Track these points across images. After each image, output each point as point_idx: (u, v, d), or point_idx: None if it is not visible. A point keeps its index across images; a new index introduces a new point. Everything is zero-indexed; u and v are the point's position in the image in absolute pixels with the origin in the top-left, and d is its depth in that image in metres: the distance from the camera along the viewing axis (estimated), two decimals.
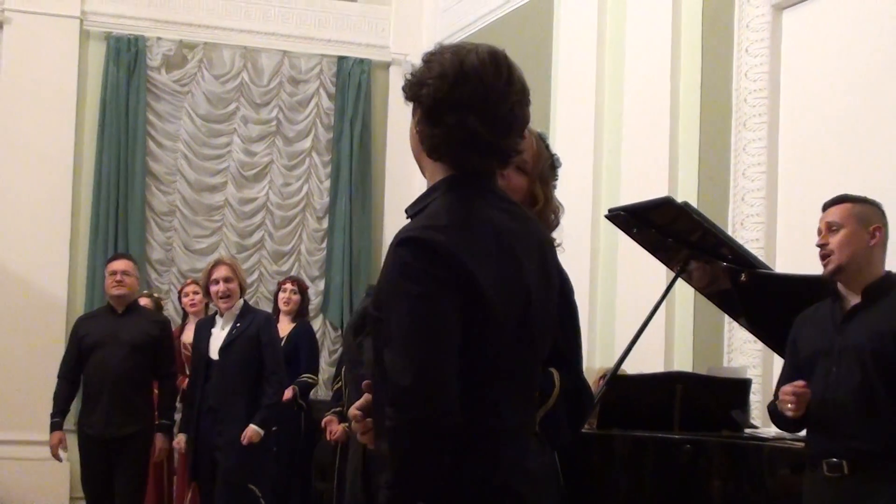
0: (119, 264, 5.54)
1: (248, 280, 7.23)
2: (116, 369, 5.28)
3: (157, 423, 5.47)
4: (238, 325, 5.19)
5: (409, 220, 2.02)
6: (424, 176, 2.10)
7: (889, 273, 3.13)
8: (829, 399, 3.07)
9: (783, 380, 3.29)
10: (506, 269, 1.97)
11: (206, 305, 6.48)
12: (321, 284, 8.81)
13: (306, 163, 8.96)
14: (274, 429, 5.30)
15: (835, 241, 3.12)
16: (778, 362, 4.57)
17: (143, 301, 5.97)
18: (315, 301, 8.55)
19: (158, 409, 5.54)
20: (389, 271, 1.92)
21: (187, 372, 6.06)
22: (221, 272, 5.20)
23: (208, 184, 8.75)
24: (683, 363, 5.69)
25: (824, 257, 3.16)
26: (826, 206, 3.22)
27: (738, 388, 4.24)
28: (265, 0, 8.89)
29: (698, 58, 5.96)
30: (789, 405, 3.11)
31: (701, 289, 4.36)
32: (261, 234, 8.86)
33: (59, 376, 5.51)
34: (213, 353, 5.14)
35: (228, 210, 8.80)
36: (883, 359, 2.97)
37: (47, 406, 5.57)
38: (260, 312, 5.64)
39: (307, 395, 6.75)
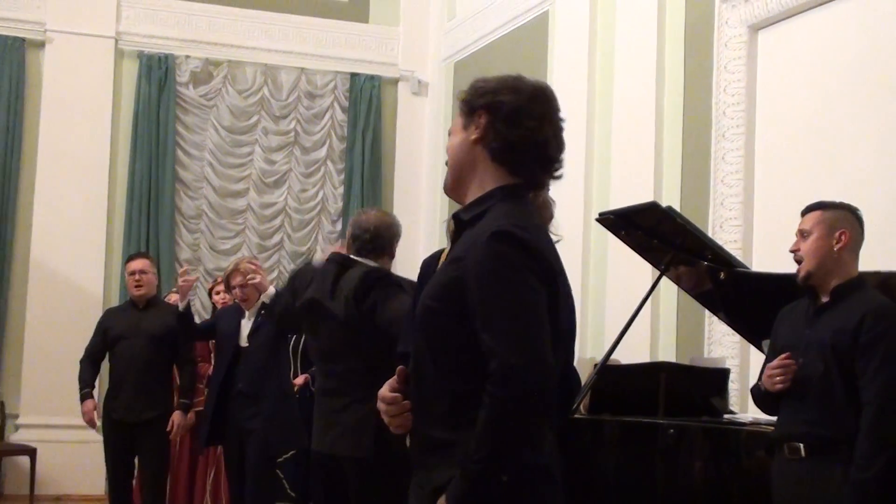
0: (137, 264, 5.54)
1: (269, 277, 7.20)
2: (138, 359, 5.32)
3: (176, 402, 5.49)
4: (263, 312, 5.15)
5: (462, 223, 1.99)
6: (463, 182, 2.04)
7: (861, 274, 3.10)
8: (795, 388, 3.06)
9: (765, 368, 3.29)
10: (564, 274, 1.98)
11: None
12: None
13: (321, 170, 8.96)
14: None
15: (805, 247, 3.10)
16: (754, 353, 4.57)
17: (174, 297, 5.95)
18: None
19: (179, 391, 5.54)
20: (484, 261, 1.86)
21: (212, 360, 6.03)
22: (237, 280, 5.18)
23: (232, 190, 8.75)
24: (667, 354, 5.69)
25: (798, 262, 3.14)
26: (802, 213, 3.19)
27: (718, 377, 4.23)
28: (284, 21, 8.89)
29: (681, 74, 5.96)
30: (777, 378, 3.08)
31: (683, 286, 4.35)
32: (280, 235, 8.86)
33: (81, 360, 5.55)
34: (243, 341, 5.11)
35: (250, 214, 8.79)
36: (841, 353, 2.95)
37: None
38: None
39: None
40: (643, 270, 5.03)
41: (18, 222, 8.16)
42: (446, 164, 2.11)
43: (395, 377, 2.02)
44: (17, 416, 7.97)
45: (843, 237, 3.05)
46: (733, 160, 5.49)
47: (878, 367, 2.87)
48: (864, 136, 4.79)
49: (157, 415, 5.31)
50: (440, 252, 2.94)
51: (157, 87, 8.49)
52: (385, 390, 2.02)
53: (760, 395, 3.25)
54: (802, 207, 3.23)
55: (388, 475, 3.37)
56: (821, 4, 5.08)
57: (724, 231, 5.44)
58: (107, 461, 5.47)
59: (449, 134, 2.13)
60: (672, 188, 5.91)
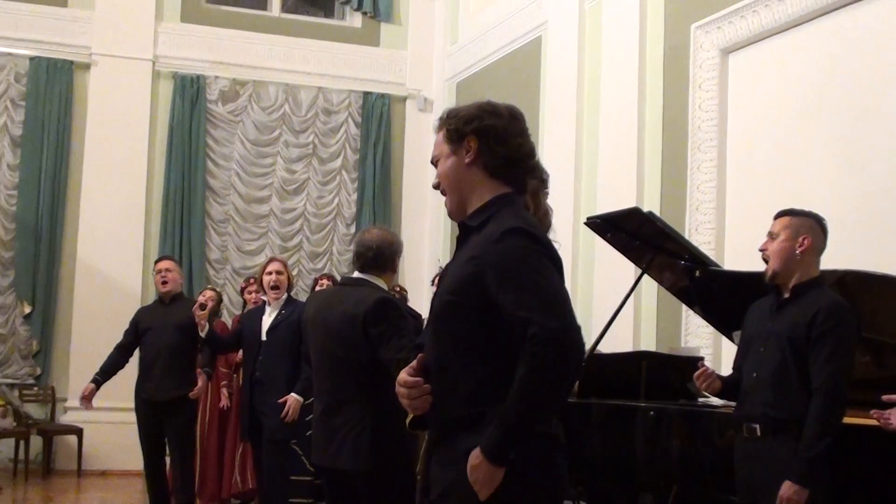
0: (163, 264, 5.67)
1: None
2: (165, 346, 5.40)
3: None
4: (283, 311, 5.19)
5: (471, 229, 2.03)
6: (465, 201, 2.07)
7: (821, 273, 3.12)
8: (756, 374, 3.08)
9: (737, 356, 3.31)
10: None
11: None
12: None
13: (337, 179, 8.98)
14: (311, 400, 5.27)
15: (771, 248, 3.11)
16: (726, 343, 4.58)
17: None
18: None
19: (201, 364, 5.59)
20: (506, 252, 1.90)
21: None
22: (274, 266, 5.26)
23: (256, 196, 8.78)
24: (648, 344, 5.71)
25: (765, 261, 3.16)
26: (774, 217, 3.20)
27: (693, 365, 4.23)
28: (304, 45, 8.92)
29: (660, 93, 5.97)
30: (703, 385, 3.20)
31: (663, 283, 4.36)
32: (299, 238, 8.88)
33: (115, 347, 5.61)
34: (263, 335, 5.15)
35: (273, 218, 8.82)
36: (797, 344, 2.97)
37: (123, 378, 5.64)
38: (300, 302, 5.64)
39: None
40: (627, 269, 5.04)
41: (66, 226, 8.22)
42: (436, 188, 2.13)
43: (415, 363, 2.03)
44: (65, 400, 8.00)
45: (805, 241, 3.06)
46: (707, 170, 5.50)
47: (827, 358, 2.89)
48: (824, 149, 4.81)
49: (183, 394, 5.39)
50: None
51: (190, 104, 8.53)
52: (404, 375, 2.02)
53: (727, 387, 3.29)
54: (770, 212, 3.23)
55: (391, 482, 3.33)
56: (785, 30, 5.10)
57: (699, 233, 5.46)
58: (140, 439, 5.52)
59: (433, 163, 2.15)
60: (653, 195, 5.92)
